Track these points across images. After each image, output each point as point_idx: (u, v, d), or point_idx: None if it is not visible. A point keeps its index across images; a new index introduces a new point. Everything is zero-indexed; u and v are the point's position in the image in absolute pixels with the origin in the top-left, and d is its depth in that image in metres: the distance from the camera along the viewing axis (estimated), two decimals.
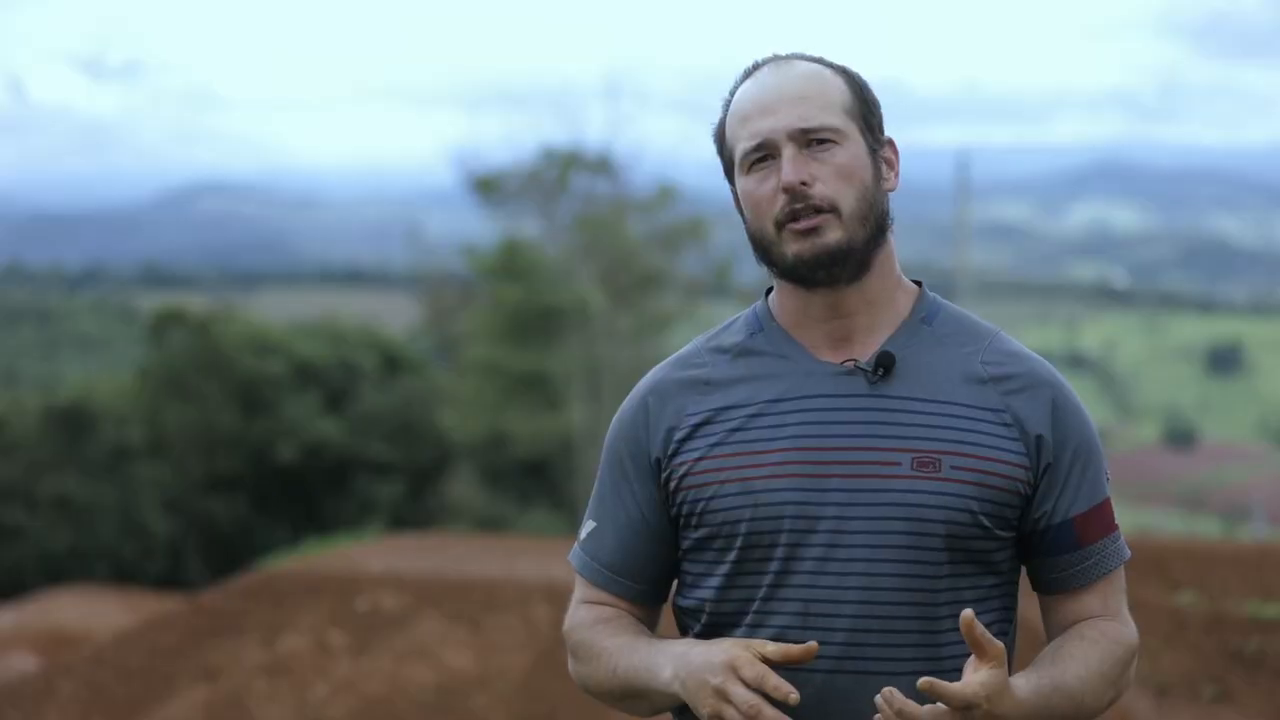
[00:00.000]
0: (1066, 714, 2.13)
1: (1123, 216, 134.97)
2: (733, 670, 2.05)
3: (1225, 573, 8.62)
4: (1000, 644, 2.01)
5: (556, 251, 30.67)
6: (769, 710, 2.02)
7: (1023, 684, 2.08)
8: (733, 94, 2.25)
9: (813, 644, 2.07)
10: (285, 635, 9.49)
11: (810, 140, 2.16)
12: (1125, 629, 2.24)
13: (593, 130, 46.70)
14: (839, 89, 2.20)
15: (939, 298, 2.30)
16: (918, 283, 2.31)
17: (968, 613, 2.00)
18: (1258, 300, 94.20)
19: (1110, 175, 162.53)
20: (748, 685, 2.04)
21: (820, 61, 2.23)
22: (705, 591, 2.23)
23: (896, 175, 2.25)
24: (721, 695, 2.04)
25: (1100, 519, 2.23)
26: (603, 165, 31.18)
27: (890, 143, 2.25)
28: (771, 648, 2.07)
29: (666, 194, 30.63)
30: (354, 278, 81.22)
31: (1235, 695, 6.93)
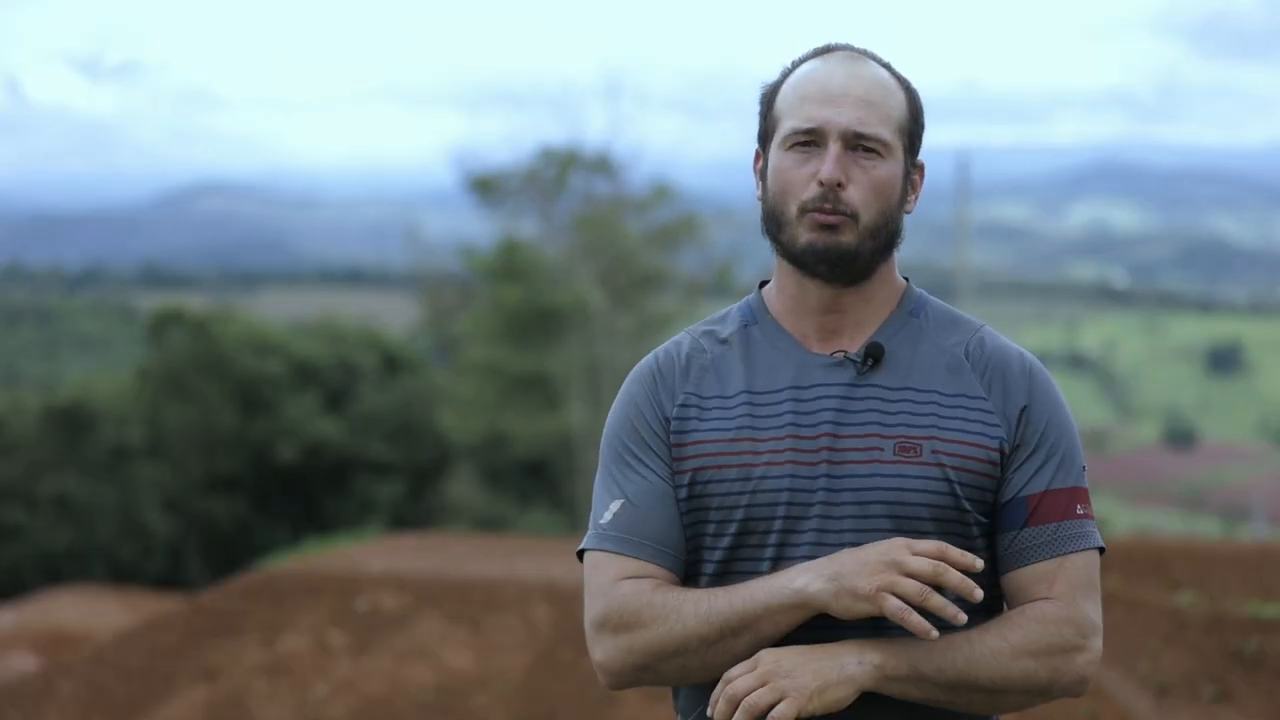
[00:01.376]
0: (949, 674, 2.12)
1: (1122, 216, 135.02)
2: (908, 548, 2.08)
3: (1225, 573, 8.62)
4: None
5: (555, 251, 30.65)
6: (951, 576, 2.06)
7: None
8: (796, 65, 2.28)
9: (975, 560, 2.11)
10: (285, 635, 9.49)
11: (860, 145, 2.20)
12: (1062, 610, 2.18)
13: (592, 130, 46.71)
14: (899, 104, 2.25)
15: (925, 293, 2.36)
16: (905, 278, 2.36)
17: None
18: (1257, 300, 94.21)
19: (1110, 175, 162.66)
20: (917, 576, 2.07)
21: (889, 68, 2.27)
22: (706, 566, 2.26)
23: (917, 199, 2.31)
24: (896, 566, 2.07)
25: (1057, 504, 2.21)
26: (601, 165, 31.15)
27: (921, 166, 2.31)
28: (928, 545, 2.11)
29: (662, 192, 30.62)
30: (354, 278, 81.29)
31: (1235, 695, 6.93)
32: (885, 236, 2.23)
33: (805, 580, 2.11)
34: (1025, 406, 2.23)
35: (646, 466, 2.26)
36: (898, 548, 2.08)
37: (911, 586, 2.05)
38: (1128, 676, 7.07)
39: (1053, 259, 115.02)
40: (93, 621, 14.92)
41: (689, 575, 2.28)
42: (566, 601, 9.28)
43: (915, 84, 2.29)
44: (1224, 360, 78.54)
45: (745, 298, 2.38)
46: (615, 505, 2.26)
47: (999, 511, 2.23)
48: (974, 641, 2.14)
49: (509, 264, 29.52)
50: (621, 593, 2.21)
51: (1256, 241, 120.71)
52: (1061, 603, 2.18)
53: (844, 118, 2.19)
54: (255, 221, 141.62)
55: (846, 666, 2.09)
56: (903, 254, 2.34)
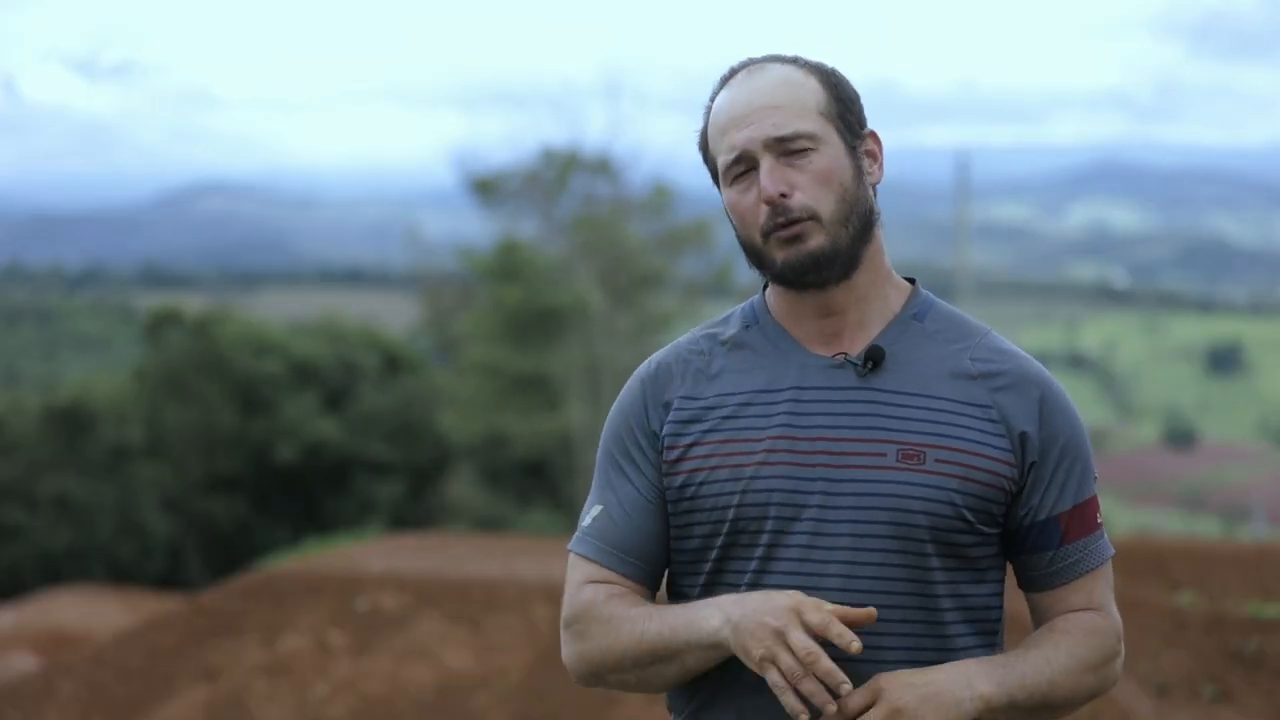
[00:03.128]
0: (1035, 698, 2.15)
1: (1122, 216, 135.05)
2: (796, 614, 2.04)
3: (1225, 573, 8.62)
4: (867, 689, 2.06)
5: (555, 252, 30.66)
6: (825, 662, 2.01)
7: (980, 674, 2.12)
8: (712, 101, 2.27)
9: (872, 610, 2.07)
10: (285, 635, 9.49)
11: (787, 148, 2.17)
12: (1105, 621, 2.25)
13: (592, 131, 46.57)
14: (813, 91, 2.21)
15: (931, 295, 2.32)
16: (911, 280, 2.33)
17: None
18: (1257, 300, 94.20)
19: (1110, 175, 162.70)
20: (810, 631, 2.03)
21: (795, 62, 2.24)
22: (697, 577, 2.25)
23: (880, 167, 2.26)
24: (780, 637, 2.03)
25: (1084, 517, 2.25)
26: (602, 166, 31.16)
27: (871, 134, 2.26)
28: (829, 605, 2.06)
29: (662, 194, 30.63)
30: (354, 278, 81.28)
31: (1235, 695, 6.93)
32: (857, 220, 2.20)
33: (718, 623, 2.11)
34: (1040, 420, 2.21)
35: (628, 476, 2.29)
36: (788, 613, 2.04)
37: (790, 665, 2.02)
38: (1128, 676, 7.06)
39: (1053, 259, 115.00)
40: (93, 621, 14.93)
41: (682, 578, 2.28)
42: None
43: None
44: (1224, 360, 78.53)
45: (749, 299, 2.36)
46: (595, 510, 2.31)
47: (1028, 531, 2.23)
48: (1051, 662, 2.17)
49: (508, 264, 29.53)
50: (581, 599, 2.26)
51: (1256, 241, 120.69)
52: (1103, 613, 2.26)
53: (759, 131, 2.17)
54: (255, 221, 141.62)
55: (962, 704, 2.09)
56: (903, 254, 2.32)
